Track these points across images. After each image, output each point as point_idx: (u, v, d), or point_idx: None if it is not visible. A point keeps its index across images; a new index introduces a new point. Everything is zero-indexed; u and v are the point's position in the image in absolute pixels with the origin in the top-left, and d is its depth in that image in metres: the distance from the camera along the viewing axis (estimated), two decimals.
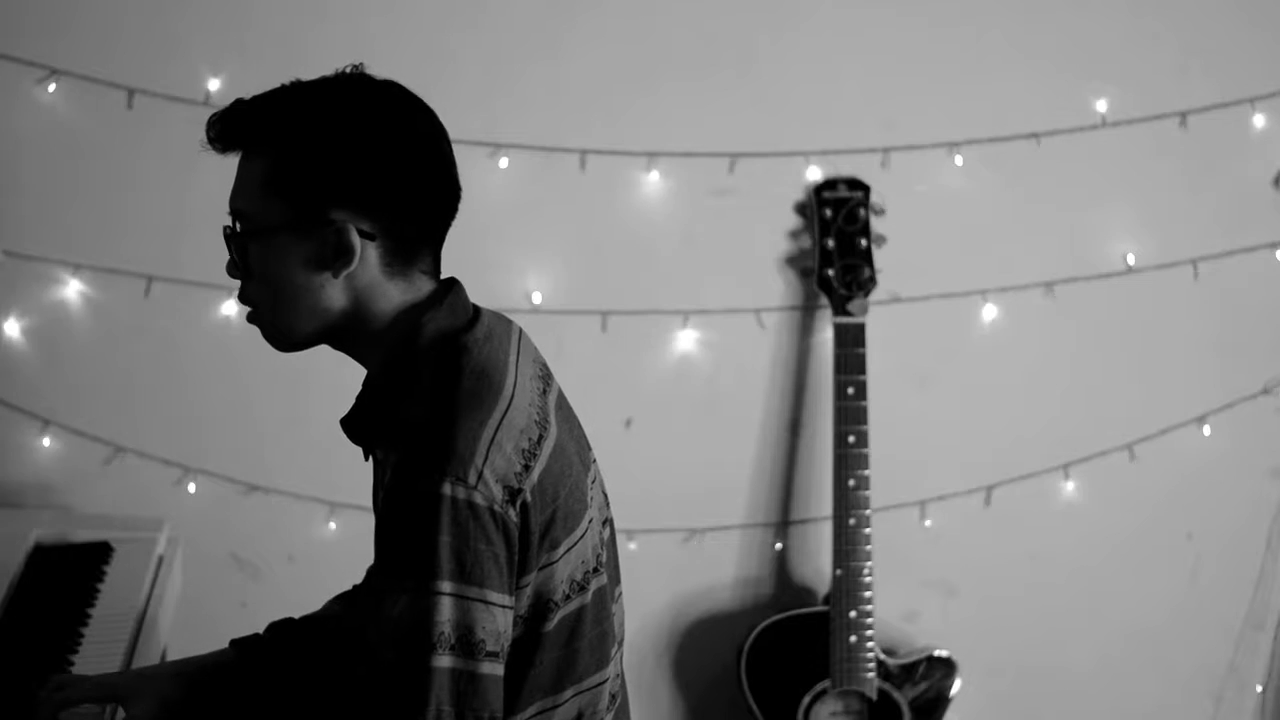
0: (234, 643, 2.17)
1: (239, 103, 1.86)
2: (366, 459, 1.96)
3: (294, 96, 1.85)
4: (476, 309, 1.94)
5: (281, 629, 2.18)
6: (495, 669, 1.78)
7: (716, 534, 3.32)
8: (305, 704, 2.17)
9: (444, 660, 1.75)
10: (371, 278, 1.86)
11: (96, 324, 3.06)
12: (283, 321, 1.88)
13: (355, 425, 1.91)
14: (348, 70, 1.89)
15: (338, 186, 1.82)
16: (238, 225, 1.87)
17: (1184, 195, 3.33)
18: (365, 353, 1.91)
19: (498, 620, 1.78)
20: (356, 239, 1.83)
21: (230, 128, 1.85)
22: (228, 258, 1.89)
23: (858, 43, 3.20)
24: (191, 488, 3.12)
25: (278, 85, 1.87)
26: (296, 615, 2.21)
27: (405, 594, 1.75)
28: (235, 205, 1.87)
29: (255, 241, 1.85)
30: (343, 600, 2.23)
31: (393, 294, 1.88)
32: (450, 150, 1.90)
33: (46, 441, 3.07)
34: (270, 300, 1.87)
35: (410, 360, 1.86)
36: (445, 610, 1.74)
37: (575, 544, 1.87)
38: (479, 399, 1.81)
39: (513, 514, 1.78)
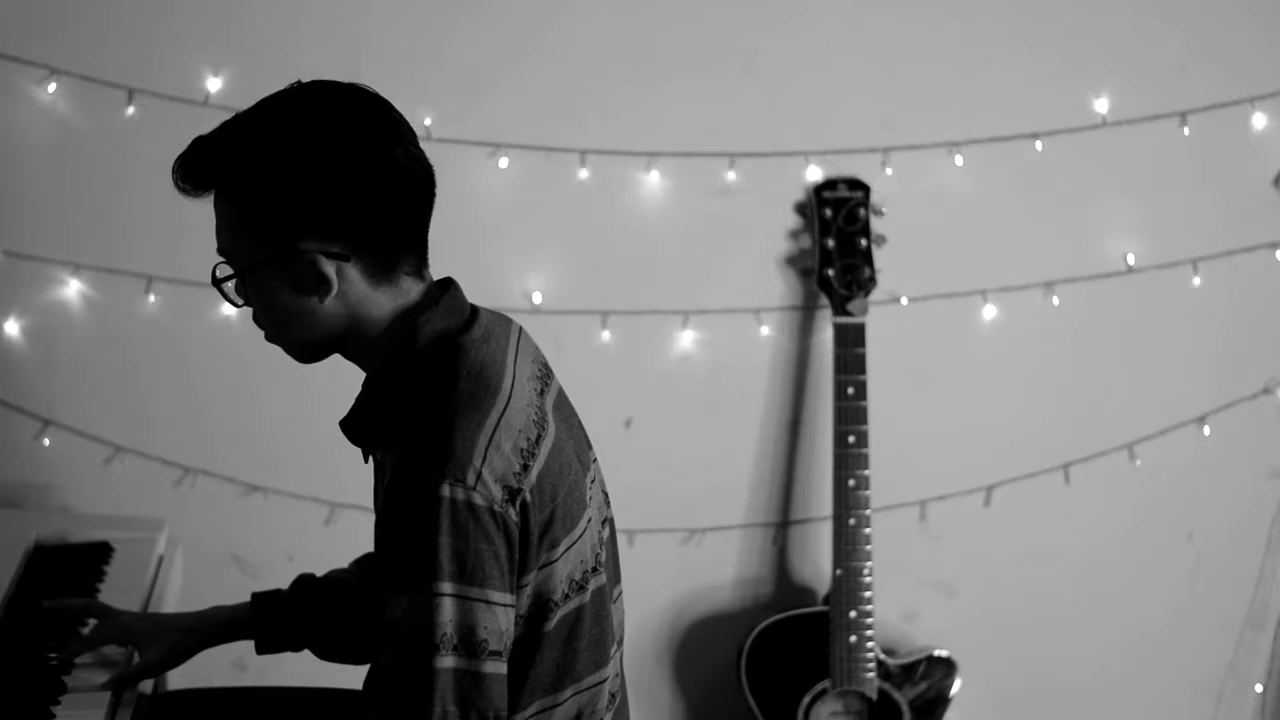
0: (255, 596, 2.22)
1: (198, 143, 1.87)
2: (366, 460, 1.97)
3: (242, 131, 1.85)
4: (474, 309, 1.94)
5: (304, 585, 2.22)
6: (498, 668, 1.79)
7: (716, 534, 3.32)
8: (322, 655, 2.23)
9: (447, 661, 1.75)
10: (360, 292, 1.87)
11: (96, 324, 3.06)
12: (294, 341, 1.92)
13: (354, 427, 1.92)
14: (293, 86, 1.88)
15: (299, 218, 1.83)
16: (223, 265, 1.90)
17: (1184, 195, 3.33)
18: (366, 357, 1.92)
19: (499, 619, 1.78)
20: (329, 266, 1.84)
21: (192, 172, 1.87)
22: (222, 264, 1.91)
23: (858, 42, 3.19)
24: (191, 488, 3.12)
25: (227, 119, 1.87)
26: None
27: (407, 596, 1.76)
28: (220, 244, 1.90)
29: (244, 278, 1.88)
30: (367, 562, 2.26)
31: (383, 301, 1.88)
32: (412, 144, 1.88)
33: (46, 441, 3.07)
34: (275, 326, 1.91)
35: (408, 362, 1.87)
36: (447, 611, 1.75)
37: (574, 543, 1.87)
38: (476, 400, 1.82)
39: (513, 513, 1.79)
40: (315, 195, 1.82)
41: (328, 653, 2.22)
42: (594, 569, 1.92)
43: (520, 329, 1.99)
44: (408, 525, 1.76)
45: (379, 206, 1.84)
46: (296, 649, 2.23)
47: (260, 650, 2.22)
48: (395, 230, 1.87)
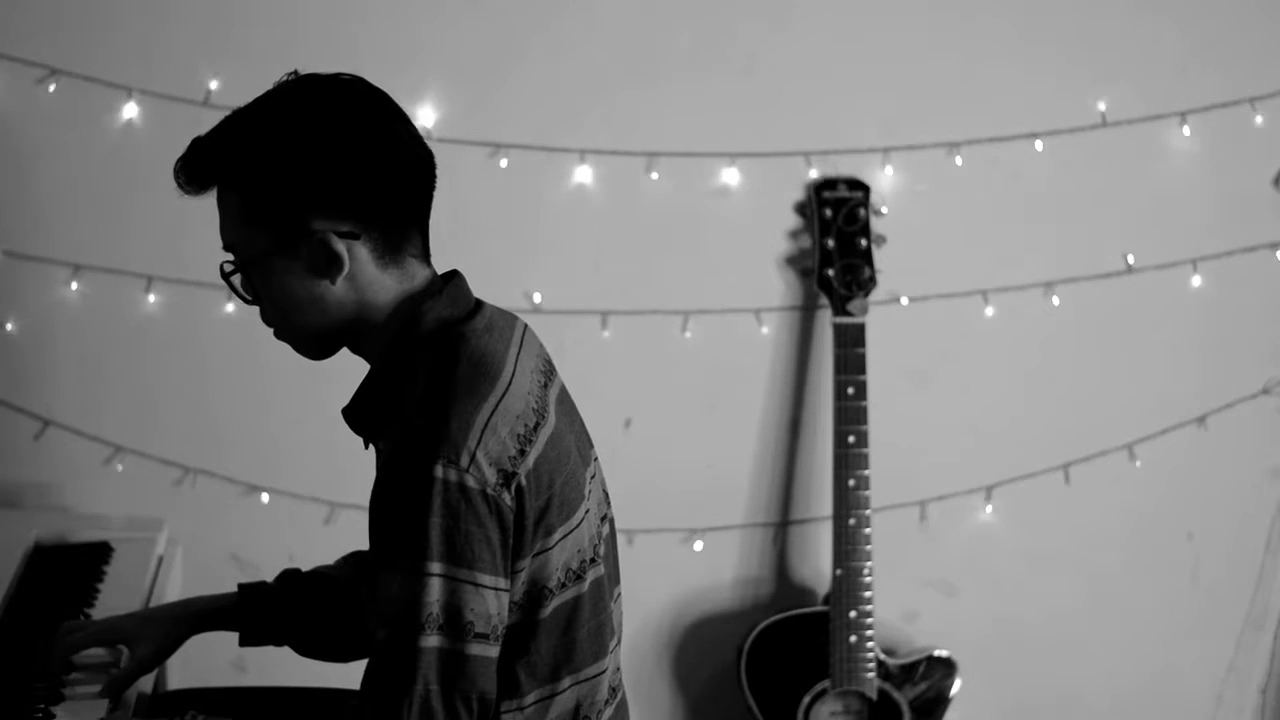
0: (241, 587, 2.22)
1: (197, 142, 1.89)
2: (366, 448, 1.97)
3: (243, 123, 1.88)
4: (479, 302, 1.96)
5: (289, 579, 2.22)
6: (485, 650, 1.80)
7: (716, 534, 3.32)
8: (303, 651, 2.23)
9: (432, 640, 1.77)
10: (369, 273, 1.88)
11: (96, 324, 3.06)
12: (303, 334, 1.93)
13: (356, 415, 1.93)
14: (287, 78, 1.91)
15: (307, 198, 1.85)
16: (232, 259, 1.90)
17: (1184, 195, 3.33)
18: (370, 346, 1.93)
19: (488, 602, 1.79)
20: (340, 244, 1.86)
21: (195, 170, 1.89)
22: (228, 260, 1.92)
23: (858, 42, 3.20)
24: (192, 488, 3.12)
25: (225, 116, 1.90)
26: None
27: (398, 574, 1.77)
28: (225, 239, 1.91)
29: (252, 269, 1.89)
30: (353, 560, 2.27)
31: (390, 284, 1.90)
32: (408, 125, 1.91)
33: (46, 441, 3.07)
34: (285, 319, 1.92)
35: (409, 349, 1.88)
36: (434, 591, 1.77)
37: (571, 532, 1.88)
38: (474, 385, 1.83)
39: (507, 497, 1.80)
40: (322, 172, 1.84)
41: (308, 649, 2.23)
42: (592, 560, 1.93)
43: (525, 326, 2.01)
44: (401, 504, 1.78)
45: (385, 180, 1.86)
46: (279, 644, 2.23)
47: (243, 642, 2.23)
48: (401, 205, 1.89)
